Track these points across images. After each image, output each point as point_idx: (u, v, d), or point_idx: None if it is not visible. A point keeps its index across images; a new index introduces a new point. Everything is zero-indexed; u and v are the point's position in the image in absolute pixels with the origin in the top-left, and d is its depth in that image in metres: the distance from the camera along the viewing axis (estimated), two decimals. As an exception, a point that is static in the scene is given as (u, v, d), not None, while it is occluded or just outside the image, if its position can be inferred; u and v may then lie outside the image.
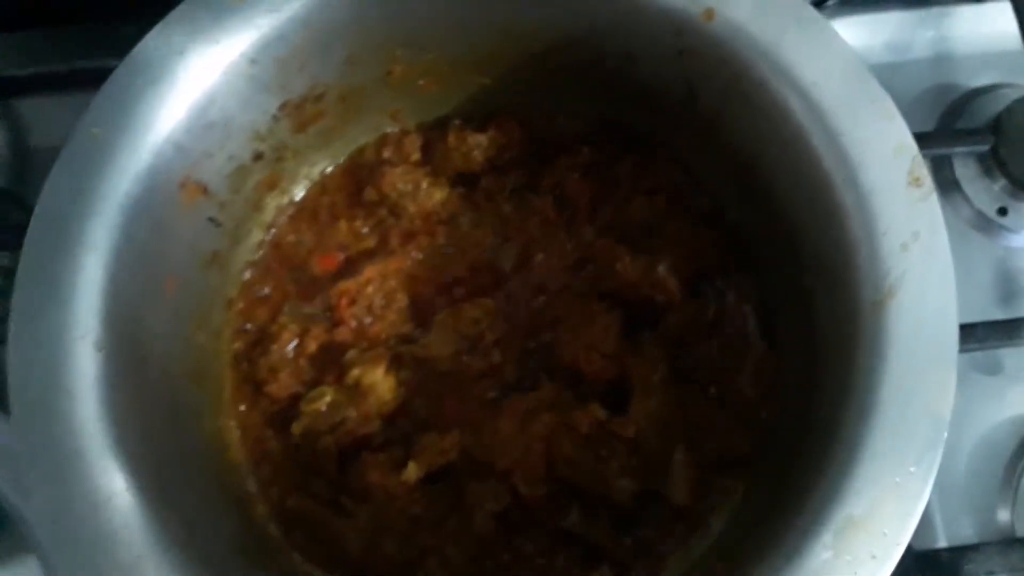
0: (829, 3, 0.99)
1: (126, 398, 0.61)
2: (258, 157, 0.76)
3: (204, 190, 0.71)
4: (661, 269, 0.77)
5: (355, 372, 0.77)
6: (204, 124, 0.68)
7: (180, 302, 0.72)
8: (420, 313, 0.82)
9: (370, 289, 0.80)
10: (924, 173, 0.59)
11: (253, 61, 0.68)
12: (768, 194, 0.72)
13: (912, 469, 0.53)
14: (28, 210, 0.96)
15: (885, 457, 0.54)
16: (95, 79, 1.01)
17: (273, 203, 0.83)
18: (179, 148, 0.66)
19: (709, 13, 0.65)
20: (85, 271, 0.61)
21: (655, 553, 0.75)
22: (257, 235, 0.82)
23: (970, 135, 0.88)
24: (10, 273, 0.94)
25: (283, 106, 0.74)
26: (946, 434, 0.54)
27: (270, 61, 0.69)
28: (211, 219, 0.74)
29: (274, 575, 0.73)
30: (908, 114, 0.94)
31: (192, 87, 0.66)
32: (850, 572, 0.52)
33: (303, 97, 0.75)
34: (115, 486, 0.57)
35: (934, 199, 0.59)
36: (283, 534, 0.76)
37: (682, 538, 0.75)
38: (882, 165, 0.60)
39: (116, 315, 0.62)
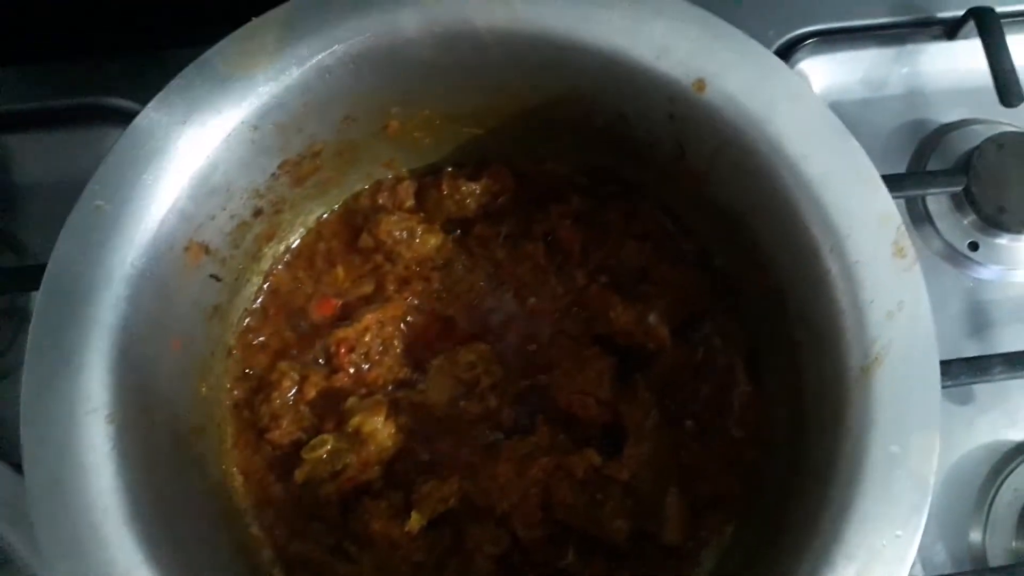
0: (808, 42, 1.02)
1: (138, 466, 0.63)
2: (257, 213, 0.77)
3: (207, 250, 0.72)
4: (652, 318, 0.79)
5: (355, 420, 0.79)
6: (207, 190, 0.69)
7: (185, 360, 0.73)
8: (416, 358, 0.84)
9: (368, 336, 0.82)
10: (908, 243, 0.62)
11: (254, 127, 0.69)
12: (756, 250, 0.74)
13: (898, 533, 0.57)
14: (16, 248, 0.97)
15: (873, 521, 0.57)
16: (80, 116, 1.02)
17: (270, 252, 0.84)
18: (183, 215, 0.68)
19: (700, 84, 0.67)
20: (94, 345, 0.62)
21: (648, 591, 0.78)
22: (255, 283, 0.84)
23: (943, 176, 0.92)
24: (2, 314, 0.95)
25: (282, 164, 0.76)
26: (930, 498, 0.57)
27: (270, 126, 0.70)
28: (213, 275, 0.75)
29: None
30: (882, 149, 0.99)
31: (195, 155, 0.67)
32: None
33: (301, 155, 0.76)
34: (133, 559, 0.59)
35: (917, 269, 0.62)
36: (288, 579, 0.78)
37: (674, 574, 0.78)
38: (867, 235, 0.63)
39: (125, 386, 0.63)
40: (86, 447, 0.60)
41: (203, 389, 0.77)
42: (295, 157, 0.76)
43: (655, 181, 0.84)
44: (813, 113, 0.66)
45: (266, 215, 0.79)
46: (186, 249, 0.70)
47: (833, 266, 0.64)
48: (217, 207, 0.71)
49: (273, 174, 0.76)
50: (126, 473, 0.61)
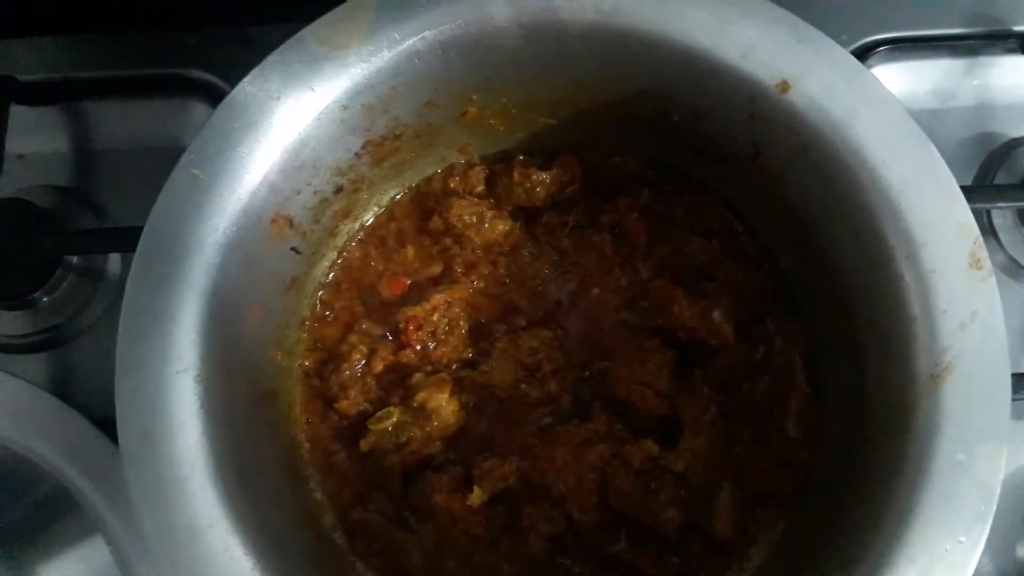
0: (880, 49, 1.02)
1: (221, 426, 0.65)
2: (339, 190, 0.80)
3: (291, 223, 0.75)
4: (716, 315, 0.81)
5: (421, 395, 0.81)
6: (296, 165, 0.71)
7: (264, 328, 0.76)
8: (480, 340, 0.86)
9: (435, 316, 0.84)
10: (984, 255, 0.63)
11: (344, 107, 0.71)
12: (824, 253, 0.75)
13: (962, 539, 0.58)
14: (95, 209, 1.00)
15: (937, 526, 0.58)
16: (160, 86, 1.05)
17: (346, 228, 0.86)
18: (272, 188, 0.70)
19: (784, 85, 0.68)
20: (186, 307, 0.65)
21: (696, 580, 0.80)
22: (330, 258, 0.86)
23: (1010, 190, 0.91)
24: (81, 273, 0.98)
25: (365, 144, 0.78)
26: (995, 507, 0.58)
27: (359, 107, 0.72)
28: (293, 248, 0.78)
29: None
30: (949, 160, 0.97)
31: (287, 131, 0.70)
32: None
33: (383, 136, 0.79)
34: (215, 514, 0.62)
35: (993, 281, 0.63)
36: (349, 544, 0.80)
37: (723, 568, 0.80)
38: (944, 245, 0.64)
39: (212, 348, 0.66)
40: (176, 404, 0.63)
41: (278, 357, 0.80)
42: (378, 138, 0.78)
43: (725, 179, 0.85)
44: (895, 120, 0.67)
45: (345, 192, 0.81)
46: (272, 221, 0.72)
47: (907, 274, 0.65)
48: (303, 182, 0.74)
49: (356, 153, 0.78)
50: (211, 431, 0.64)
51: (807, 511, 0.79)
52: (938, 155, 0.66)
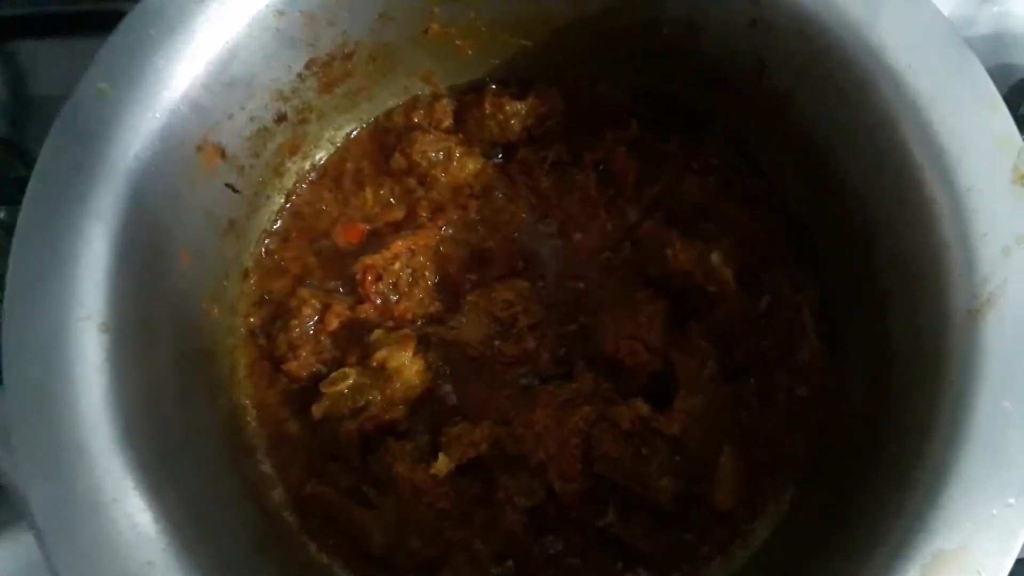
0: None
1: (134, 385, 0.56)
2: (281, 119, 0.70)
3: (223, 154, 0.65)
4: (715, 257, 0.71)
5: (381, 353, 0.71)
6: (225, 81, 0.61)
7: (195, 276, 0.66)
8: (449, 293, 0.76)
9: (397, 265, 0.75)
10: (1030, 169, 0.54)
11: (280, 13, 0.61)
12: (840, 184, 0.66)
13: (1011, 501, 0.48)
14: (28, 161, 0.90)
15: (981, 487, 0.49)
16: (101, 24, 0.94)
17: (294, 168, 0.76)
18: (196, 107, 0.60)
19: (793, -20, 0.58)
20: (90, 244, 0.55)
21: (695, 557, 0.70)
22: (276, 201, 0.76)
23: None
24: (11, 229, 0.88)
25: (310, 64, 0.68)
26: (1050, 463, 0.49)
27: (298, 14, 0.63)
28: (229, 185, 0.68)
29: (289, 570, 0.68)
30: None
31: (213, 39, 0.60)
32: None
33: (331, 55, 0.69)
34: (122, 486, 0.52)
35: (1041, 199, 0.53)
36: (300, 522, 0.71)
37: (723, 543, 0.71)
38: (983, 160, 0.54)
39: (124, 293, 0.56)
40: (76, 356, 0.53)
41: (214, 311, 0.70)
42: (324, 56, 0.68)
43: (724, 108, 0.75)
44: (924, 19, 0.57)
45: (290, 123, 0.71)
46: (199, 149, 0.62)
47: (939, 195, 0.55)
48: (235, 104, 0.64)
49: (299, 74, 0.68)
50: (120, 389, 0.54)
51: (821, 479, 0.70)
52: (974, 59, 0.56)
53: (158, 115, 0.58)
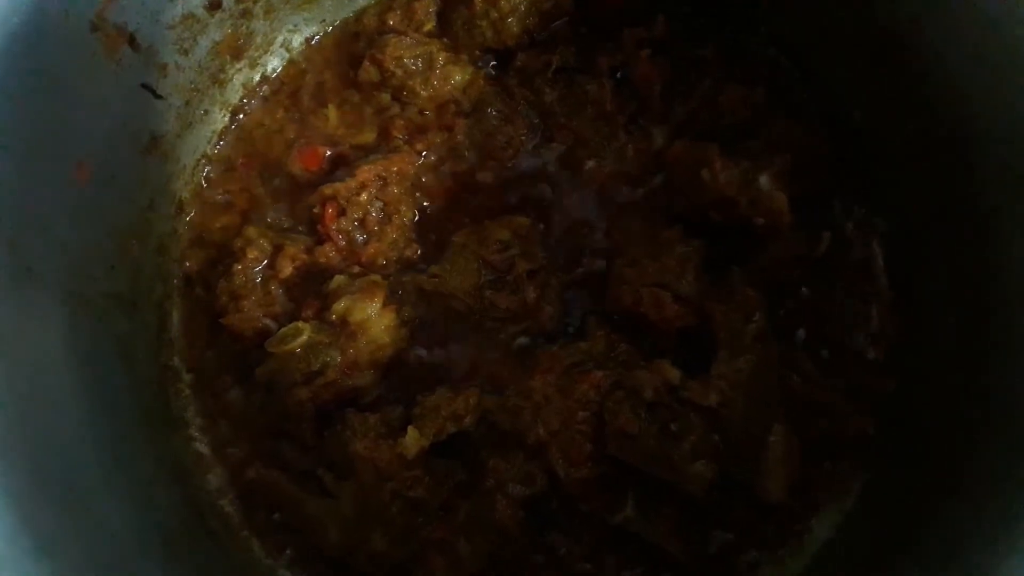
0: None
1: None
2: (215, 5, 0.57)
3: (131, 41, 0.51)
4: (764, 180, 0.56)
5: (342, 304, 0.58)
6: (126, -62, 0.47)
7: (100, 198, 0.53)
8: (430, 233, 0.63)
9: (364, 196, 0.60)
10: None
11: None
12: (922, 79, 0.51)
13: None
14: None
15: None
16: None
17: (239, 78, 0.63)
18: (86, -31, 0.46)
19: None
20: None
21: (735, 563, 0.56)
22: (218, 120, 0.63)
23: None
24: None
25: (246, -72, 0.53)
26: None
27: None
28: (147, 87, 0.54)
29: (223, 569, 0.54)
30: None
31: None
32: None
33: (277, -80, 0.54)
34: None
35: None
36: (241, 514, 0.57)
37: (774, 546, 0.56)
38: None
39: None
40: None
41: (132, 247, 0.57)
42: (267, -79, 0.54)
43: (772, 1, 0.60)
44: None
45: (229, 14, 0.58)
46: (96, 28, 0.48)
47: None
48: (145, -28, 0.49)
49: (235, -57, 0.54)
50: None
51: (897, 465, 0.54)
52: None
53: (26, -28, 0.43)
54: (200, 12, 0.55)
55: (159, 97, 0.55)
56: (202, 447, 0.59)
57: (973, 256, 0.51)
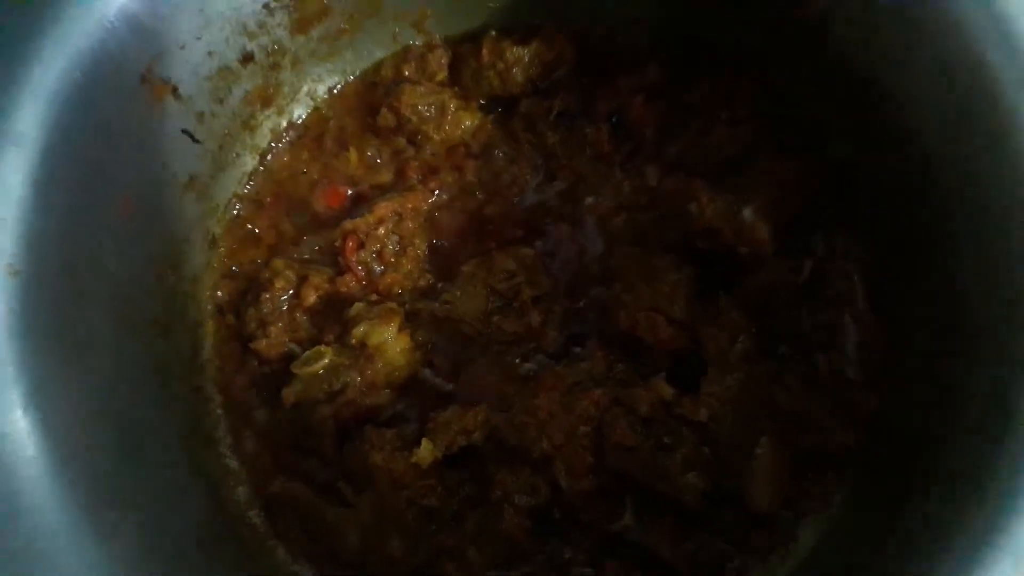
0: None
1: (50, 340, 0.47)
2: (247, 59, 0.62)
3: (174, 91, 0.57)
4: (747, 213, 0.61)
5: (360, 329, 0.62)
6: (172, 2, 0.53)
7: (143, 232, 0.58)
8: (442, 264, 0.67)
9: (382, 230, 0.65)
10: None
11: (237, -79, 0.53)
12: (891, 117, 0.56)
13: None
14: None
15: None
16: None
17: (268, 124, 0.68)
18: (137, 28, 0.52)
19: None
20: (1, 172, 0.46)
21: (726, 568, 0.59)
22: (248, 162, 0.68)
23: None
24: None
25: (278, -8, 0.60)
26: None
27: (259, -76, 0.54)
28: (187, 132, 0.60)
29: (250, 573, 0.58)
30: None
31: (155, -54, 0.52)
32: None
33: (305, -16, 0.61)
34: (26, 453, 0.43)
35: None
36: (267, 523, 0.61)
37: (763, 553, 0.60)
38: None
39: (42, 234, 0.47)
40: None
41: (169, 277, 0.61)
42: (296, -14, 0.60)
43: (755, 50, 0.66)
44: None
45: (259, 66, 0.63)
46: (144, 80, 0.54)
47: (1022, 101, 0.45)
48: (187, 31, 0.56)
49: (266, 4, 0.60)
50: (29, 345, 0.45)
51: (877, 474, 0.58)
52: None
53: (89, 30, 0.49)
54: (235, 65, 0.61)
55: (197, 142, 0.61)
56: (231, 462, 0.63)
57: (941, 278, 0.54)
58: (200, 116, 0.60)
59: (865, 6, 0.54)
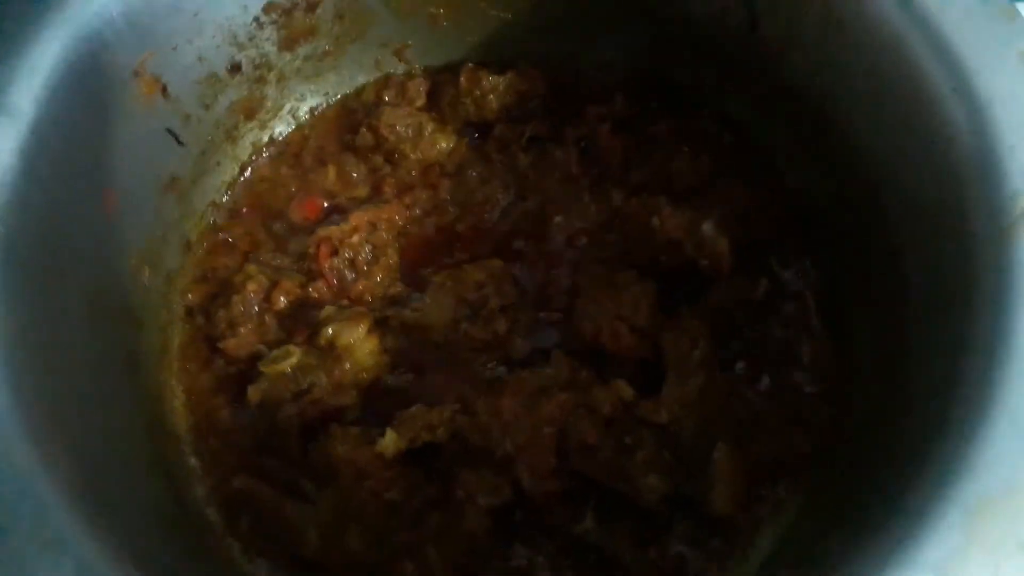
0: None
1: (26, 306, 0.48)
2: (235, 69, 0.65)
3: (164, 90, 0.59)
4: (707, 227, 0.64)
5: (330, 330, 0.63)
6: (168, 4, 0.56)
7: (122, 225, 0.59)
8: (414, 275, 0.69)
9: (356, 238, 0.67)
10: (1057, 76, 0.47)
11: (234, -68, 0.57)
12: (843, 140, 0.60)
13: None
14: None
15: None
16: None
17: (250, 137, 0.71)
18: (134, 24, 0.55)
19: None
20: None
21: (685, 572, 0.60)
22: (228, 171, 0.70)
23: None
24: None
25: (268, 7, 0.63)
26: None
27: (255, -62, 0.58)
28: (171, 132, 0.62)
29: (210, 570, 0.57)
30: None
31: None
32: (990, 564, 0.38)
33: (293, 2, 0.64)
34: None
35: (1074, 103, 0.47)
36: (224, 521, 0.61)
37: (721, 558, 0.60)
38: (1003, 71, 0.48)
39: (26, 203, 0.49)
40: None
41: (144, 272, 0.62)
42: (285, 2, 0.64)
43: (716, 84, 0.70)
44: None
45: (246, 78, 0.66)
46: (136, 74, 0.56)
47: (957, 113, 0.49)
48: (181, 34, 0.59)
49: (256, 18, 0.63)
50: (6, 297, 0.46)
51: (831, 480, 0.60)
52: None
53: (87, 18, 0.52)
54: (223, 73, 0.64)
55: (181, 144, 0.63)
56: (193, 460, 0.63)
57: (891, 290, 0.57)
58: (186, 119, 0.63)
59: (820, 29, 0.58)
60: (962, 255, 0.47)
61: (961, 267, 0.47)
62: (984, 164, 0.47)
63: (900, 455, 0.49)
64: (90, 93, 0.53)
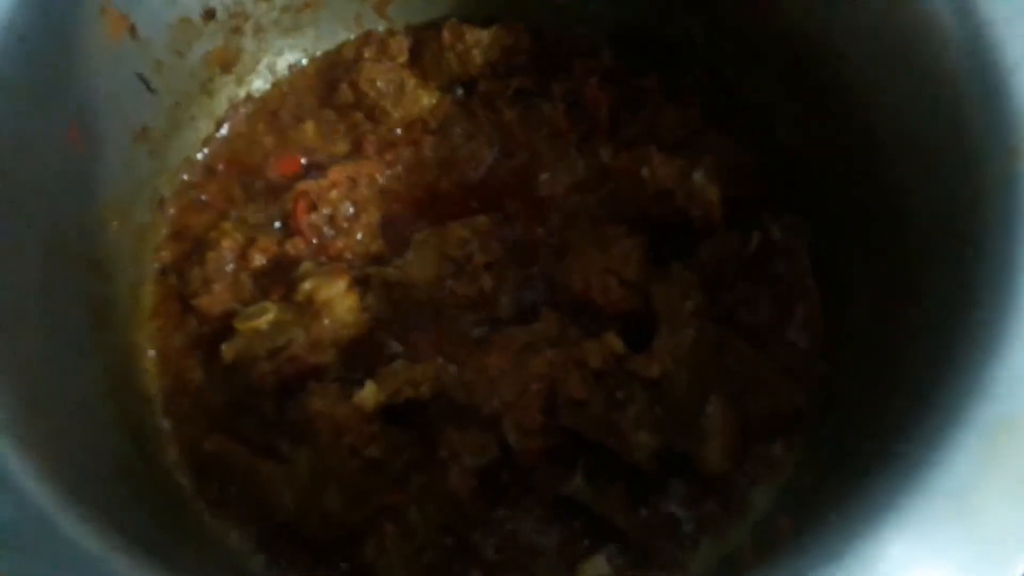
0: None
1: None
2: (209, 15, 0.62)
3: (132, 30, 0.57)
4: (698, 175, 0.62)
5: (307, 285, 0.61)
6: (138, -66, 0.54)
7: (88, 167, 0.56)
8: (395, 234, 0.66)
9: (335, 194, 0.65)
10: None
11: None
12: (836, 80, 0.58)
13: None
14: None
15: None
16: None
17: (226, 92, 0.68)
18: (101, -47, 0.52)
19: None
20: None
21: (679, 534, 0.57)
22: (204, 127, 0.68)
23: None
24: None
25: (243, -49, 0.61)
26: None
27: None
28: (142, 77, 0.60)
29: (177, 535, 0.54)
30: None
31: None
32: (1011, 491, 0.35)
33: (270, -51, 0.62)
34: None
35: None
36: (194, 485, 0.58)
37: (716, 519, 0.58)
38: (1004, -9, 0.46)
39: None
40: None
41: (114, 224, 0.60)
42: (261, -56, 0.62)
43: (702, 33, 0.68)
44: None
45: (221, 26, 0.64)
46: (103, 11, 0.54)
47: (956, 32, 0.47)
48: (151, -26, 0.56)
49: (231, -39, 0.61)
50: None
51: (828, 435, 0.57)
52: None
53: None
54: (196, 19, 0.61)
55: (152, 91, 0.61)
56: (164, 422, 0.60)
57: (886, 245, 0.55)
58: (158, 65, 0.60)
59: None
60: (967, 180, 0.45)
61: (969, 200, 0.45)
62: (986, 83, 0.45)
63: (906, 390, 0.47)
64: (55, 22, 0.50)
